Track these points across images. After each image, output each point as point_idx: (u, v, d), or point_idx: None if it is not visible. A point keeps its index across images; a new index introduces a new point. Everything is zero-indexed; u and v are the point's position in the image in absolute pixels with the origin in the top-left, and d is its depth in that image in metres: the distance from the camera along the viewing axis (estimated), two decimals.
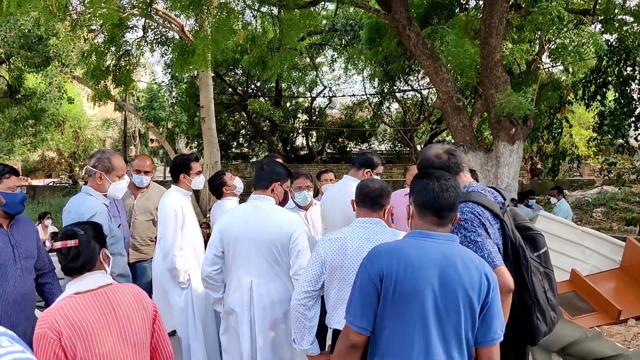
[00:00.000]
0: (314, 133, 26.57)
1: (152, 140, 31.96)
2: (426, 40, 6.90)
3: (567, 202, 10.06)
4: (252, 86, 22.02)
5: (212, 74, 14.27)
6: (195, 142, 22.06)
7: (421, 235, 2.12)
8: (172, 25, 12.12)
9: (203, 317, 3.98)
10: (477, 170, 6.60)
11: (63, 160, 27.73)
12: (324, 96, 24.68)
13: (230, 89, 21.46)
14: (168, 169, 26.72)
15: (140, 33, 12.54)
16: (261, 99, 21.64)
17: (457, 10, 10.11)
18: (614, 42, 10.96)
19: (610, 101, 12.93)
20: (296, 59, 13.26)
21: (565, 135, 13.70)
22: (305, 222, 4.32)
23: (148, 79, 25.31)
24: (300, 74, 20.27)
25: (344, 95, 25.99)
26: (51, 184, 27.94)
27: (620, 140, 13.21)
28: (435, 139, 21.32)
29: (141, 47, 12.50)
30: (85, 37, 12.84)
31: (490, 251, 2.39)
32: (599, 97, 12.35)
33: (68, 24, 11.38)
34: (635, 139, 12.84)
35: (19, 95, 17.04)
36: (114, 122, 26.85)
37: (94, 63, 11.31)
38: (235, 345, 3.34)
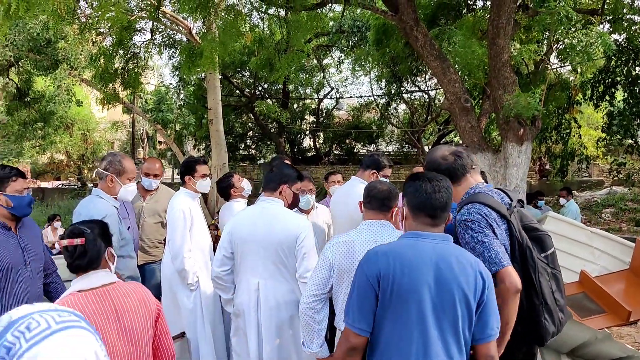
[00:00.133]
0: (321, 134, 26.59)
1: (160, 142, 32.05)
2: (433, 41, 6.88)
3: (576, 202, 10.01)
4: (260, 88, 22.07)
5: (220, 76, 14.31)
6: (203, 144, 22.13)
7: (416, 236, 2.16)
8: (180, 27, 12.15)
9: (212, 319, 4.00)
10: (485, 171, 6.59)
11: (72, 162, 27.88)
12: (331, 98, 24.72)
13: (237, 91, 21.50)
14: (176, 171, 26.84)
15: (148, 36, 12.59)
16: (268, 100, 21.68)
17: (464, 11, 10.07)
18: (623, 42, 10.89)
19: (619, 101, 12.85)
20: (303, 61, 13.27)
21: (574, 136, 13.63)
22: None
23: (156, 82, 25.38)
24: (307, 75, 20.28)
25: (351, 97, 26.02)
26: (60, 186, 28.12)
27: (630, 141, 13.12)
28: (443, 140, 21.26)
29: (149, 50, 12.55)
30: (94, 40, 12.90)
31: (497, 252, 2.39)
32: (607, 97, 12.28)
33: (76, 27, 11.42)
34: None
35: (28, 98, 17.14)
36: (122, 125, 26.99)
37: (102, 66, 11.35)
38: (244, 346, 3.35)
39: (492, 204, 2.53)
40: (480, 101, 9.09)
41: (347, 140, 26.17)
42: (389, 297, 2.04)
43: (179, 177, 4.58)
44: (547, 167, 19.32)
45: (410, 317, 2.02)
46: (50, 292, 3.36)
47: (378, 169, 4.01)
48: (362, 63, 15.43)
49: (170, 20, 12.10)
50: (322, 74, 21.77)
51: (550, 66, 10.48)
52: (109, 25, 10.10)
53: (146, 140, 31.66)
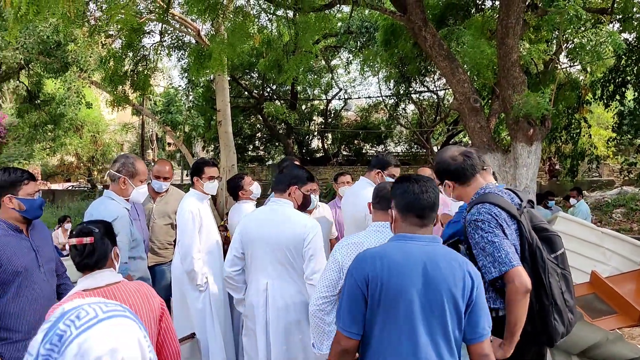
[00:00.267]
0: (330, 135, 26.55)
1: (169, 144, 32.14)
2: (442, 41, 6.87)
3: (587, 203, 9.95)
4: (268, 89, 22.09)
5: (228, 78, 14.34)
6: (212, 146, 22.17)
7: (404, 239, 2.18)
8: (189, 29, 12.21)
9: (221, 319, 4.01)
10: (495, 171, 6.56)
11: (82, 164, 28.00)
12: (339, 98, 24.68)
13: (246, 93, 21.54)
14: (185, 172, 26.90)
15: (158, 38, 12.66)
16: (277, 102, 21.70)
17: (473, 10, 10.04)
18: (633, 41, 10.83)
19: (629, 101, 12.78)
20: (311, 62, 13.27)
21: (584, 136, 13.56)
22: None
23: (165, 84, 25.51)
24: (315, 76, 20.28)
25: (359, 97, 26.00)
26: (70, 187, 28.24)
27: None
28: (452, 141, 21.18)
29: (158, 52, 12.62)
30: (103, 43, 12.97)
31: (507, 252, 2.40)
32: (617, 97, 12.21)
33: (86, 30, 11.48)
34: None
35: (38, 101, 17.25)
36: (132, 127, 27.11)
37: (111, 68, 11.43)
38: (254, 346, 3.37)
39: (502, 204, 2.53)
40: (490, 101, 9.07)
41: (356, 141, 26.10)
42: (377, 299, 2.06)
43: (188, 178, 4.60)
44: (557, 167, 19.23)
45: (399, 318, 2.04)
46: (62, 293, 3.36)
47: (382, 168, 4.04)
48: (371, 64, 15.40)
49: (179, 23, 12.16)
50: (330, 75, 21.75)
51: (560, 66, 10.44)
52: (119, 27, 10.18)
53: (155, 141, 31.80)
